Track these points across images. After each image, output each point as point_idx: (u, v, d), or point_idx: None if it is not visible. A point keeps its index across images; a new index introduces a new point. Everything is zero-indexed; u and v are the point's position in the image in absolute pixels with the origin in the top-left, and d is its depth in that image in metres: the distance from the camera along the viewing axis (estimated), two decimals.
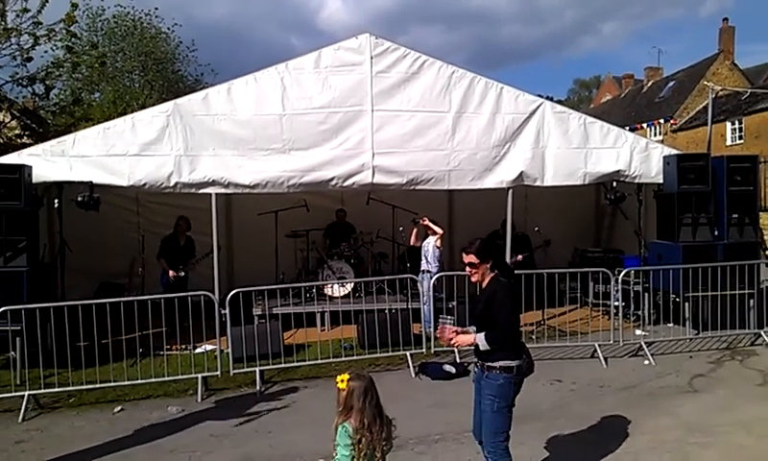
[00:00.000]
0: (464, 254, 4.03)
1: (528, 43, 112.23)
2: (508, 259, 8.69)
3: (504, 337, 3.89)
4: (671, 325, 8.56)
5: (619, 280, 8.00)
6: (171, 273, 8.80)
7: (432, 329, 8.01)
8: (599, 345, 7.75)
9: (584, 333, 8.10)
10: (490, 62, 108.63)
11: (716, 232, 8.76)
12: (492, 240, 4.15)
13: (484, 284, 4.04)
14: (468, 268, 4.04)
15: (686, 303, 8.24)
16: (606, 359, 7.58)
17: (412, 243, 9.29)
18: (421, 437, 5.32)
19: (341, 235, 10.47)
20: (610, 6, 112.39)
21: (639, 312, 8.59)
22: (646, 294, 8.51)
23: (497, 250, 4.08)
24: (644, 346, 7.79)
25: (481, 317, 4.03)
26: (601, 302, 9.00)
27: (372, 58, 8.24)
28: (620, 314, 8.10)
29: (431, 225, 8.83)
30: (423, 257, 8.96)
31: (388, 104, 8.31)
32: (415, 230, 9.19)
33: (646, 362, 7.55)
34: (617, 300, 8.14)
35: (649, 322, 8.56)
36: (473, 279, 4.07)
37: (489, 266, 3.99)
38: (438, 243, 8.81)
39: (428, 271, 8.74)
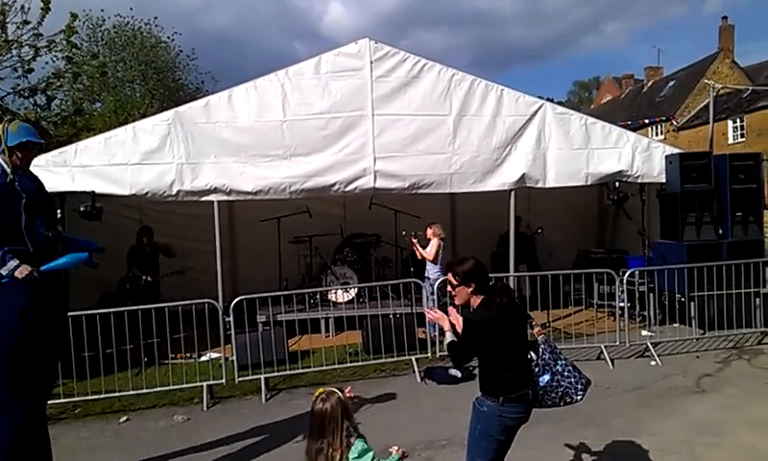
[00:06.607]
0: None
1: (529, 45, 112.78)
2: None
3: (452, 355, 3.65)
4: (677, 325, 8.52)
5: (624, 281, 7.97)
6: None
7: (437, 334, 7.97)
8: (605, 346, 7.72)
9: (589, 335, 8.06)
10: (491, 64, 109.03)
11: (720, 231, 8.73)
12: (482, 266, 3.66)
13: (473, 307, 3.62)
14: (448, 286, 3.69)
15: (692, 303, 8.19)
16: (612, 361, 7.55)
17: (419, 257, 9.15)
18: (428, 442, 5.30)
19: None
20: (608, 7, 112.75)
21: (645, 313, 8.55)
22: (651, 294, 8.48)
23: (482, 275, 3.61)
24: (650, 346, 7.76)
25: None
26: (606, 303, 8.95)
27: (371, 62, 8.24)
28: (626, 315, 8.07)
29: (418, 249, 8.78)
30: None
31: (388, 108, 8.30)
32: (415, 241, 9.06)
33: (653, 363, 7.52)
34: (622, 300, 8.11)
35: (655, 322, 8.52)
36: (456, 302, 3.69)
37: (471, 290, 3.55)
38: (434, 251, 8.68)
39: (428, 277, 8.68)
